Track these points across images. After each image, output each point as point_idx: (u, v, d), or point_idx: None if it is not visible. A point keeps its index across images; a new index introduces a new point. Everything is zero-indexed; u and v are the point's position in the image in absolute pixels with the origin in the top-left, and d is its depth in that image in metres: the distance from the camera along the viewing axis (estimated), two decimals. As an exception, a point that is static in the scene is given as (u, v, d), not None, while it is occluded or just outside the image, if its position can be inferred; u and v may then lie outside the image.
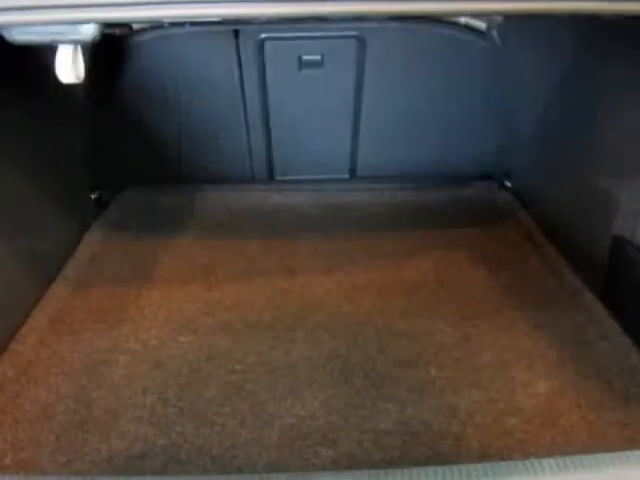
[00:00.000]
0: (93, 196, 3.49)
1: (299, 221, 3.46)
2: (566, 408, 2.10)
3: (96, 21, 1.67)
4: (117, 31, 3.24)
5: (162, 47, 3.32)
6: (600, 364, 2.31)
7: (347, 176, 3.75)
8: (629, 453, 1.57)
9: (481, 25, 3.39)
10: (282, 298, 2.74)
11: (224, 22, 3.27)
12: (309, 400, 2.16)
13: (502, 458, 1.90)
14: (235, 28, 3.28)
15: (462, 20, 3.40)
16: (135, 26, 3.30)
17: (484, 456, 1.92)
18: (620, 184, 2.54)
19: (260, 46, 3.29)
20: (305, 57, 3.37)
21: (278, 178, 3.75)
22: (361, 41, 3.30)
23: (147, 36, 3.31)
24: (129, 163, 3.65)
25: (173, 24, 3.33)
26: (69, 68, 1.99)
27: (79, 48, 1.99)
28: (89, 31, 1.77)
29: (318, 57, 3.37)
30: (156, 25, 3.32)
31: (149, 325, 2.57)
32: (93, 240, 3.21)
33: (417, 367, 2.31)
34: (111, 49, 3.27)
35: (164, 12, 1.51)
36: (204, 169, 3.67)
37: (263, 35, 3.28)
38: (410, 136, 3.58)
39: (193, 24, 3.31)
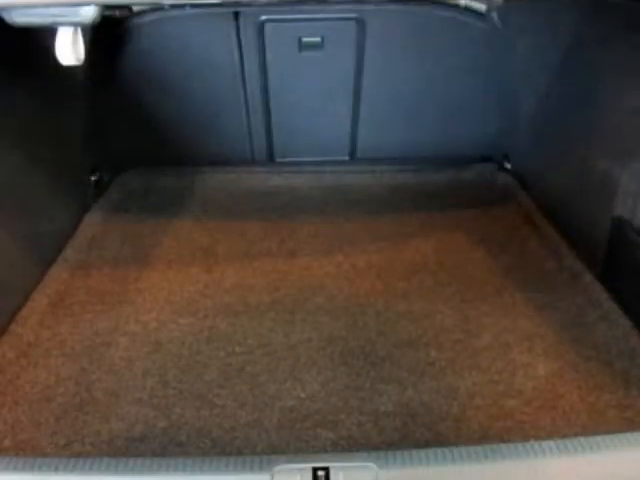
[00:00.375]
0: (93, 178, 3.46)
1: (299, 203, 3.45)
2: (566, 390, 2.09)
3: (96, 3, 1.65)
4: (117, 13, 3.22)
5: (162, 29, 3.29)
6: (600, 346, 2.30)
7: (347, 158, 3.72)
8: (629, 435, 1.57)
9: (481, 7, 3.35)
10: (282, 280, 2.73)
11: (224, 4, 3.24)
12: (309, 382, 2.15)
13: (502, 440, 1.89)
14: (235, 10, 3.25)
15: (462, 2, 3.37)
16: (135, 8, 3.26)
17: (484, 438, 1.91)
18: (620, 166, 2.52)
19: (260, 28, 3.26)
20: (305, 39, 3.34)
21: (278, 160, 3.72)
22: (361, 23, 3.26)
23: (147, 18, 3.27)
24: (129, 145, 3.63)
25: (173, 6, 3.29)
26: (69, 50, 1.97)
27: (79, 30, 1.97)
28: (89, 13, 1.75)
29: (318, 39, 3.34)
30: (156, 7, 3.29)
31: (149, 307, 2.55)
32: (93, 222, 3.20)
33: (417, 349, 2.30)
34: (111, 31, 3.24)
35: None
36: (204, 151, 3.65)
37: (263, 17, 3.25)
38: (410, 118, 3.56)
39: (193, 6, 3.27)
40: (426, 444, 1.89)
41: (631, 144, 2.49)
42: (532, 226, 3.12)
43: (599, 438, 1.54)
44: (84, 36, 1.99)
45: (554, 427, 1.95)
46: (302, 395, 2.10)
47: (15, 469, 1.49)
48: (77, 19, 1.84)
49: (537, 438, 1.84)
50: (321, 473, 1.45)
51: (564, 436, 1.83)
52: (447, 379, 2.16)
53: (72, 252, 2.91)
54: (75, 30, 1.98)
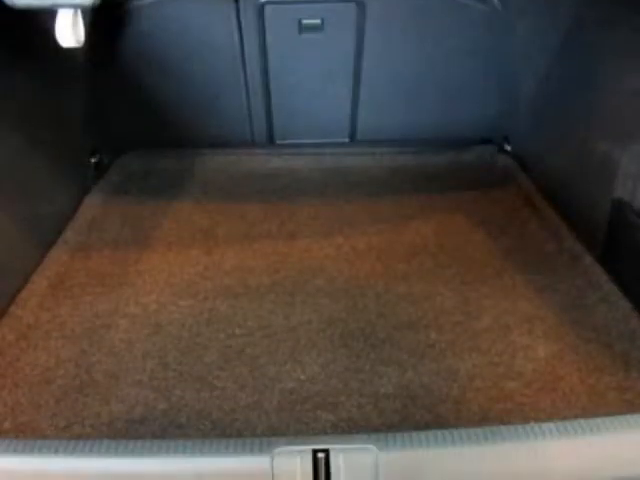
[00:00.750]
0: (93, 160, 3.44)
1: (299, 185, 3.43)
2: (566, 372, 2.08)
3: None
4: (117, -5, 3.20)
5: (162, 11, 3.26)
6: (600, 328, 2.29)
7: (347, 140, 3.69)
8: (629, 417, 1.56)
9: (481, -11, 3.34)
10: (282, 262, 2.71)
11: (224, -14, 3.23)
12: (309, 364, 2.14)
13: (502, 422, 1.88)
14: (235, -8, 3.24)
15: (462, -16, 3.35)
16: (135, -10, 3.25)
17: (484, 420, 1.90)
18: (620, 148, 2.50)
19: (260, 10, 3.23)
20: (305, 21, 3.31)
21: (278, 142, 3.69)
22: (361, 5, 3.23)
23: (147, 0, 3.25)
24: (129, 127, 3.61)
25: (173, -12, 3.28)
26: (69, 32, 1.96)
27: (79, 12, 1.96)
28: (89, -5, 1.73)
29: (318, 21, 3.32)
30: (156, -11, 3.28)
31: (149, 289, 2.54)
32: (93, 204, 3.18)
33: (417, 331, 2.29)
34: (111, 13, 3.21)
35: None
36: (204, 133, 3.63)
37: None
38: (410, 100, 3.54)
39: (193, -12, 3.26)
40: (426, 426, 1.88)
41: (631, 126, 2.48)
42: (532, 208, 3.10)
43: (599, 420, 1.53)
44: (84, 18, 1.98)
45: (554, 409, 1.94)
46: (302, 377, 2.09)
47: (15, 451, 1.48)
48: (77, 1, 1.83)
49: (537, 420, 1.83)
50: (321, 455, 1.44)
51: (564, 418, 1.83)
52: (447, 361, 2.15)
53: (72, 234, 2.90)
54: (75, 12, 1.96)
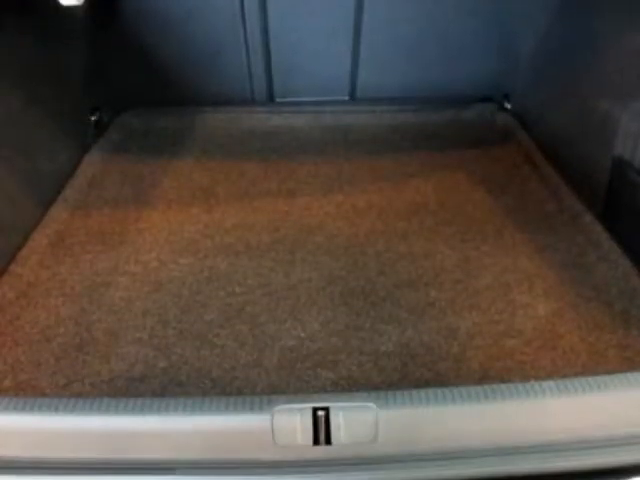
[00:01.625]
0: (93, 118, 3.41)
1: (299, 143, 3.40)
2: (566, 330, 2.07)
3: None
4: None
5: None
6: (600, 286, 2.27)
7: (347, 98, 3.67)
8: (629, 375, 1.56)
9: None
10: (282, 220, 2.69)
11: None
12: (309, 322, 2.13)
13: (502, 380, 1.87)
14: (236, -52, 3.20)
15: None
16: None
17: (484, 378, 1.89)
18: (621, 106, 2.48)
19: None
20: None
21: (278, 100, 3.68)
22: None
23: None
24: (129, 85, 3.59)
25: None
26: (70, -9, 1.93)
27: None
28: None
29: None
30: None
31: (149, 247, 2.52)
32: (93, 162, 3.15)
33: (417, 289, 2.28)
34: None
35: None
36: (204, 91, 3.61)
37: None
38: (410, 57, 3.50)
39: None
40: (426, 384, 1.87)
41: (632, 84, 2.45)
42: (532, 166, 3.08)
43: (599, 378, 1.53)
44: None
45: (554, 367, 1.93)
46: (302, 335, 2.08)
47: (15, 409, 1.48)
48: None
49: (537, 378, 1.82)
50: (321, 413, 1.44)
51: (564, 376, 1.83)
52: (447, 319, 2.13)
53: (72, 192, 2.87)
54: (76, -29, 1.94)
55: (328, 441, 1.44)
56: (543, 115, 3.29)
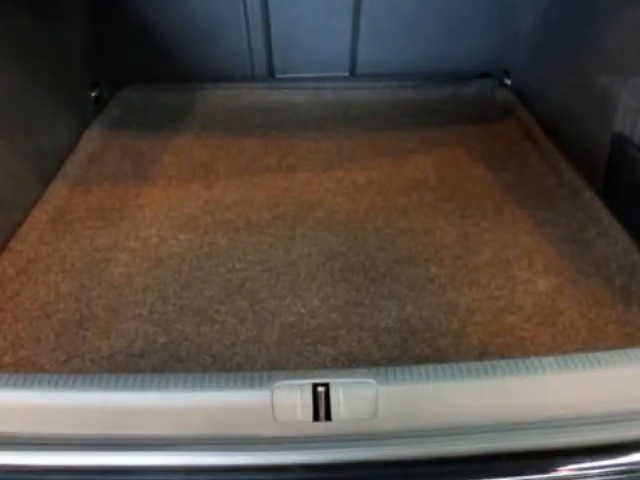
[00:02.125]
0: (93, 94, 3.40)
1: (299, 119, 3.39)
2: (566, 306, 2.06)
3: None
4: None
5: None
6: (600, 262, 2.27)
7: (347, 74, 3.66)
8: (629, 350, 1.55)
9: None
10: (282, 196, 2.68)
11: None
12: (309, 298, 2.12)
13: (502, 356, 1.86)
14: None
15: None
16: None
17: (484, 354, 1.89)
18: (621, 81, 2.47)
19: None
20: None
21: (278, 76, 3.66)
22: None
23: None
24: (129, 61, 3.57)
25: None
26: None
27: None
28: None
29: None
30: None
31: (149, 223, 2.51)
32: (93, 138, 3.14)
33: (417, 265, 2.27)
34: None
35: None
36: (204, 67, 3.59)
37: None
38: (410, 33, 3.49)
39: None
40: (426, 360, 1.87)
41: (632, 60, 2.43)
42: (532, 142, 3.06)
43: (599, 354, 1.52)
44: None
45: (554, 343, 1.92)
46: (302, 311, 2.07)
47: (15, 385, 1.47)
48: None
49: (537, 354, 1.82)
50: (321, 389, 1.43)
51: (564, 352, 1.82)
52: (447, 295, 2.12)
53: (72, 168, 2.86)
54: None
55: (328, 417, 1.44)
56: (543, 91, 3.28)
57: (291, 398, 1.42)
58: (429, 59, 3.58)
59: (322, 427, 1.45)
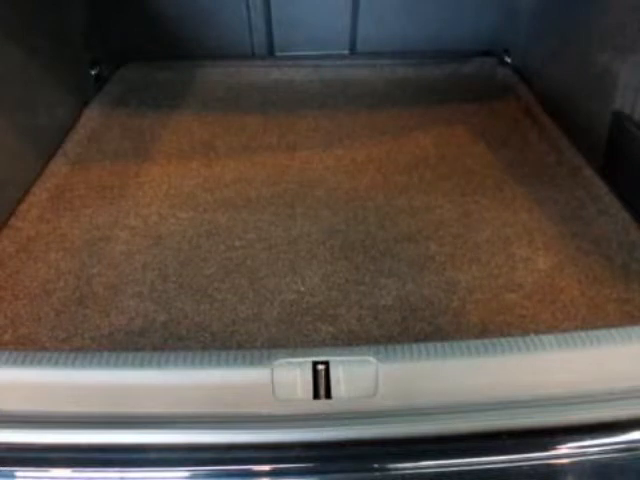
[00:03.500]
0: (93, 72, 3.37)
1: (299, 97, 3.38)
2: (566, 284, 2.05)
3: None
4: None
5: None
6: (600, 240, 2.25)
7: (347, 52, 3.64)
8: (629, 329, 1.53)
9: None
10: (282, 174, 2.67)
11: None
12: (309, 276, 2.11)
13: (502, 334, 1.86)
14: None
15: None
16: None
17: (484, 332, 1.88)
18: (621, 59, 2.46)
19: None
20: None
21: (278, 54, 3.64)
22: None
23: None
24: (129, 39, 3.55)
25: None
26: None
27: None
28: None
29: None
30: None
31: (149, 201, 2.50)
32: (93, 116, 3.12)
33: (417, 243, 2.26)
34: None
35: None
36: (204, 45, 3.57)
37: None
38: (410, 11, 3.47)
39: None
40: (426, 338, 1.86)
41: (632, 38, 2.41)
42: (532, 120, 3.05)
43: (599, 332, 1.50)
44: None
45: (554, 321, 1.91)
46: (302, 289, 2.06)
47: (15, 363, 1.46)
48: None
49: (537, 332, 1.79)
50: (321, 367, 1.42)
51: (564, 330, 1.82)
52: (447, 273, 2.11)
53: (72, 146, 2.85)
54: None
55: (328, 395, 1.43)
56: (543, 69, 3.26)
57: (291, 376, 1.41)
58: (429, 37, 3.56)
59: (322, 405, 1.44)
